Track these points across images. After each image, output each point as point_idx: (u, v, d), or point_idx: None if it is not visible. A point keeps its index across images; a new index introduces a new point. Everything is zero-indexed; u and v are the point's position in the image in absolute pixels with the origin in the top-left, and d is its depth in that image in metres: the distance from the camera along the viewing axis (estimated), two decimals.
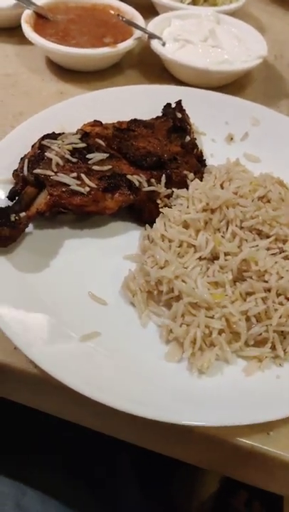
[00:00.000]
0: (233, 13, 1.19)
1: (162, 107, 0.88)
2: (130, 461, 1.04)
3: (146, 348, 0.63)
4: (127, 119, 0.85)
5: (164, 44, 1.01)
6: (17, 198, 0.72)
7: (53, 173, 0.71)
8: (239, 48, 1.03)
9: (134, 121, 0.84)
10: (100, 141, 0.78)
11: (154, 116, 0.88)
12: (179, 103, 0.88)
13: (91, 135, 0.79)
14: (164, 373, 0.61)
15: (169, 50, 0.99)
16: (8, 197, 0.72)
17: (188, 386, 0.59)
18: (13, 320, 0.60)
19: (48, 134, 0.77)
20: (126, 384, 0.58)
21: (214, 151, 0.89)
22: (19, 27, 1.01)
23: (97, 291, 0.67)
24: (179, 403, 0.57)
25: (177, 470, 1.08)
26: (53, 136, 0.77)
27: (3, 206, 0.70)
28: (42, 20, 1.04)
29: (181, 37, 1.01)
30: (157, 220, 0.72)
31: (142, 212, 0.75)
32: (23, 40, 1.01)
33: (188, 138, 0.83)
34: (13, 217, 0.66)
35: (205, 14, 1.09)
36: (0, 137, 0.85)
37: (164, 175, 0.76)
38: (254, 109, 0.93)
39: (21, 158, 0.76)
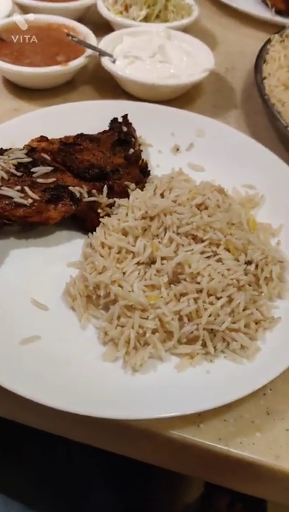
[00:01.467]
0: (185, 28, 1.25)
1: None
2: (99, 465, 1.07)
3: (86, 350, 0.66)
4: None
5: (114, 61, 1.06)
6: None
7: None
8: (187, 62, 1.08)
9: (81, 135, 0.88)
10: (46, 156, 0.82)
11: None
12: (125, 117, 0.92)
13: (37, 150, 0.83)
14: (102, 373, 0.64)
15: (118, 67, 1.04)
16: None
17: (123, 383, 0.63)
18: None
19: None
20: (66, 385, 0.62)
21: (160, 161, 0.93)
22: None
23: (40, 298, 0.71)
24: (113, 400, 0.61)
25: (156, 475, 1.11)
26: (0, 151, 0.82)
27: None
28: None
29: (131, 53, 1.06)
30: (98, 228, 0.77)
31: (85, 221, 0.79)
32: None
33: (131, 150, 0.87)
34: None
35: (156, 30, 1.15)
36: None
37: (105, 185, 0.80)
38: (199, 121, 0.97)
39: None
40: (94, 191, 0.79)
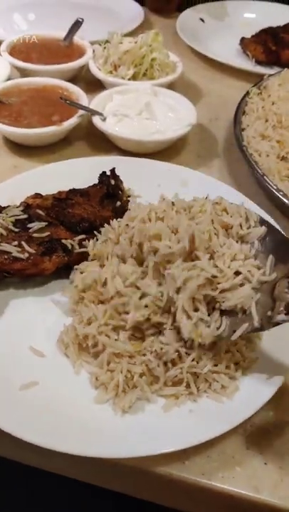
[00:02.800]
0: (171, 84, 1.36)
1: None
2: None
3: (79, 393, 0.72)
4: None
5: (104, 119, 1.16)
6: None
7: None
8: (171, 118, 1.18)
9: (72, 190, 0.97)
10: (40, 212, 0.91)
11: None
12: (112, 171, 1.01)
13: (32, 206, 0.91)
14: (93, 414, 0.70)
15: (108, 125, 1.14)
16: None
17: (113, 424, 0.69)
18: None
19: None
20: (61, 426, 0.68)
21: None
22: None
23: (36, 345, 0.77)
24: (104, 440, 0.67)
25: None
26: None
27: None
28: None
29: (119, 112, 1.15)
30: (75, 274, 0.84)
31: None
32: None
33: (118, 203, 0.96)
34: None
35: (143, 88, 1.25)
36: None
37: (94, 237, 0.88)
38: (182, 172, 1.06)
39: None
40: (84, 243, 0.87)
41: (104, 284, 0.77)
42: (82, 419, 0.69)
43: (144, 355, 0.73)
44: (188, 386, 0.72)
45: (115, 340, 0.74)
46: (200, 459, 0.69)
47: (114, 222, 0.85)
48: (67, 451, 0.65)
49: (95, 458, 0.65)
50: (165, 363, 0.73)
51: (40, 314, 0.82)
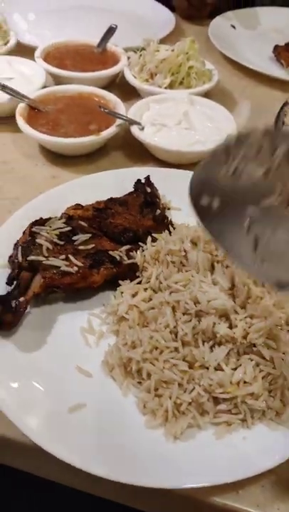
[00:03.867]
0: (206, 93, 1.33)
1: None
2: None
3: (128, 417, 0.70)
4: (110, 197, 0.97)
5: (142, 128, 1.14)
6: (15, 283, 0.81)
7: (44, 258, 0.81)
8: (210, 128, 1.15)
9: (111, 200, 0.95)
10: (83, 223, 0.89)
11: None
12: (147, 178, 0.99)
13: (74, 218, 0.90)
14: (144, 440, 0.68)
15: (146, 135, 1.12)
16: (6, 283, 0.82)
17: (164, 451, 0.66)
18: (9, 397, 0.69)
19: (36, 221, 0.88)
20: (111, 452, 0.66)
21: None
22: (13, 117, 1.14)
23: (83, 364, 0.75)
24: (156, 469, 0.65)
25: None
26: (41, 222, 0.88)
27: (3, 294, 0.79)
28: (34, 111, 1.17)
29: (158, 121, 1.13)
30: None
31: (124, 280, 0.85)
32: (18, 128, 1.13)
33: (158, 211, 0.94)
34: (13, 303, 0.76)
35: (180, 97, 1.23)
36: None
37: (140, 248, 0.87)
38: None
39: (15, 245, 0.86)
40: (132, 253, 0.85)
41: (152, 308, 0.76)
42: (132, 444, 0.67)
43: (193, 388, 0.70)
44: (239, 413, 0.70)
45: (162, 369, 0.71)
46: (254, 489, 0.66)
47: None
48: (118, 480, 0.63)
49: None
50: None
51: (87, 330, 0.80)
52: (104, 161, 1.15)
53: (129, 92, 1.35)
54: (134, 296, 0.81)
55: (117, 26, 1.45)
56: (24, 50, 1.45)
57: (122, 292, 0.83)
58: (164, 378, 0.70)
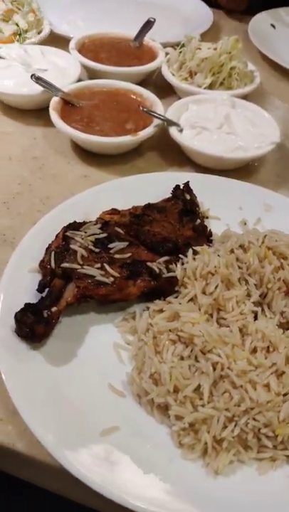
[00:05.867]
0: (247, 95, 1.27)
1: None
2: None
3: (163, 445, 0.65)
4: (146, 202, 0.92)
5: (181, 130, 1.08)
6: (46, 290, 0.77)
7: (79, 266, 0.76)
8: (253, 133, 1.09)
9: (148, 206, 0.90)
10: (119, 230, 0.84)
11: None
12: (186, 185, 0.94)
13: (110, 223, 0.85)
14: (181, 473, 0.63)
15: (186, 137, 1.06)
16: (37, 290, 0.78)
17: (205, 487, 0.62)
18: (40, 419, 0.64)
19: (70, 224, 0.83)
20: (147, 484, 0.61)
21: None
22: (46, 108, 1.09)
23: (116, 382, 0.71)
24: (196, 503, 0.60)
25: None
26: (75, 225, 0.83)
27: (34, 301, 0.74)
28: (68, 106, 1.12)
29: (198, 124, 1.08)
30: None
31: (162, 295, 0.80)
32: (50, 121, 1.08)
33: (198, 221, 0.89)
34: (45, 314, 0.71)
35: (220, 99, 1.17)
36: (27, 223, 0.91)
37: (180, 260, 0.81)
38: (266, 195, 0.98)
39: (46, 249, 0.82)
40: (171, 266, 0.80)
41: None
42: (168, 476, 0.62)
43: (234, 416, 0.65)
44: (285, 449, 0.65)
45: (192, 411, 0.66)
46: None
47: None
48: None
49: None
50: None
51: (121, 343, 0.76)
52: (138, 161, 1.10)
53: (164, 90, 1.29)
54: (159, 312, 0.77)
55: (155, 20, 1.39)
56: (57, 41, 1.40)
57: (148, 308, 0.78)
58: (198, 417, 0.65)
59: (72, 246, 0.79)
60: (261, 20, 1.69)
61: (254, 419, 0.65)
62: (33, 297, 0.77)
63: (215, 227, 0.93)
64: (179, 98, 1.20)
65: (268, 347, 0.71)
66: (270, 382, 0.66)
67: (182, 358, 0.70)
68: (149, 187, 0.98)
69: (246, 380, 0.67)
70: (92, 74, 1.29)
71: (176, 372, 0.68)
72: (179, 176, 1.00)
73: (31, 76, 1.11)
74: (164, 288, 0.79)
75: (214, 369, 0.68)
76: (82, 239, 0.80)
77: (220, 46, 1.22)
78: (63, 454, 0.61)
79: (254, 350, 0.71)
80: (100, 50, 1.35)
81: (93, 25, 1.48)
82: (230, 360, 0.67)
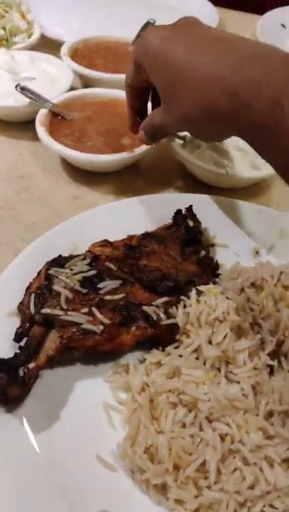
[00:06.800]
0: None
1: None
2: None
3: None
4: (144, 229, 0.81)
5: (184, 145, 0.96)
6: (24, 340, 0.66)
7: (62, 312, 0.65)
8: None
9: (146, 235, 0.79)
10: (111, 265, 0.73)
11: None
12: (189, 209, 0.83)
13: (100, 258, 0.74)
14: None
15: (188, 153, 0.94)
16: (14, 339, 0.67)
17: None
18: (10, 505, 0.53)
19: (54, 260, 0.72)
20: None
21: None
22: (34, 120, 0.98)
23: (106, 452, 0.60)
24: None
25: None
26: (60, 261, 0.72)
27: (9, 355, 0.63)
28: (57, 118, 1.01)
29: None
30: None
31: (159, 343, 0.68)
32: (37, 136, 0.97)
33: (203, 253, 0.77)
34: (21, 372, 0.60)
35: None
36: (8, 253, 0.81)
37: (181, 302, 0.70)
38: (280, 219, 0.86)
39: (27, 289, 0.71)
40: (171, 310, 0.69)
41: None
42: None
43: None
44: None
45: (196, 496, 0.55)
46: None
47: None
48: None
49: None
50: None
51: (111, 407, 0.64)
52: (136, 180, 0.98)
53: None
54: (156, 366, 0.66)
55: (155, 21, 1.27)
56: (49, 45, 1.30)
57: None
58: (203, 502, 0.54)
59: (55, 287, 0.68)
60: (271, 19, 1.57)
61: (271, 506, 0.53)
62: (9, 347, 0.66)
63: (222, 256, 0.82)
64: None
65: (287, 411, 0.59)
66: None
67: (184, 425, 0.59)
68: (147, 211, 0.86)
69: (261, 456, 0.55)
70: (86, 82, 1.18)
71: (176, 445, 0.56)
72: (182, 198, 0.88)
73: (16, 86, 1.01)
74: (163, 337, 0.68)
75: (222, 440, 0.57)
76: (68, 277, 0.69)
77: None
78: None
79: (270, 414, 0.60)
80: (95, 55, 1.24)
81: (90, 28, 1.37)
82: (241, 432, 0.56)
